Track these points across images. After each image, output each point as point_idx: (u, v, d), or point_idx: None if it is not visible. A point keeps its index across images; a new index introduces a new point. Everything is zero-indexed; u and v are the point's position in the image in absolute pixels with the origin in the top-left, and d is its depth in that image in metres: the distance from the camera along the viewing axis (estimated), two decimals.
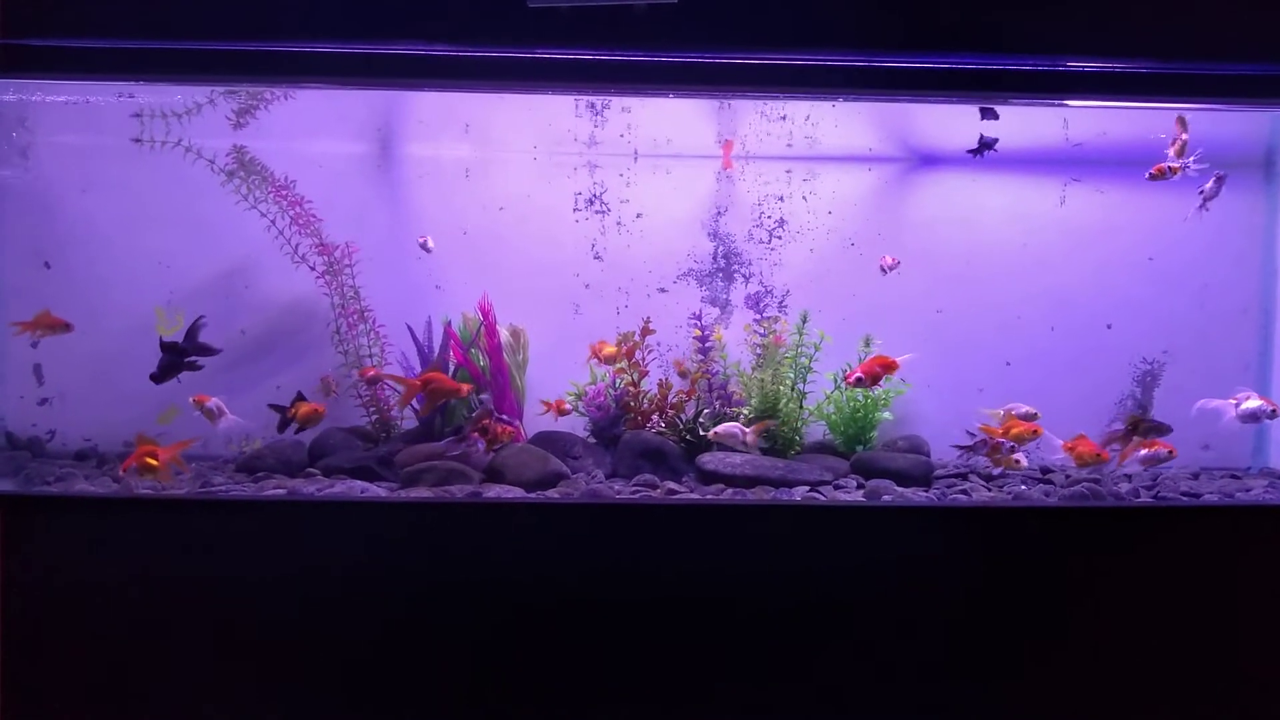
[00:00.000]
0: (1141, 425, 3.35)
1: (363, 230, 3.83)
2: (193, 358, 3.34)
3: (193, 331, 3.35)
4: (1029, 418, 3.38)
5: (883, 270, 3.80)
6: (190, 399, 3.40)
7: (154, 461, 3.12)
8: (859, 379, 3.43)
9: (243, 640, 2.90)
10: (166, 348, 3.32)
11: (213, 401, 3.44)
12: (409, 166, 3.93)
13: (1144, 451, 3.27)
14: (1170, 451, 3.26)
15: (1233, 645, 2.99)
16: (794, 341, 3.83)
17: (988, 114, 3.44)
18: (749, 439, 3.41)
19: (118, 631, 2.88)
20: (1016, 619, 2.97)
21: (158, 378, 3.32)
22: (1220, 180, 3.52)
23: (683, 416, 3.73)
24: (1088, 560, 2.99)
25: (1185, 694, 2.98)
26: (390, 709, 2.90)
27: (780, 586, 2.95)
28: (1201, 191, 3.55)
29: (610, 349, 3.77)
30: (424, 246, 3.79)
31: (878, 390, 3.82)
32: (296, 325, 3.87)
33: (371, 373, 3.73)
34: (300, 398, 3.48)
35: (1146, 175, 3.49)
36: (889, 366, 3.44)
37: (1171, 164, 3.45)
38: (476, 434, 3.31)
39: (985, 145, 3.65)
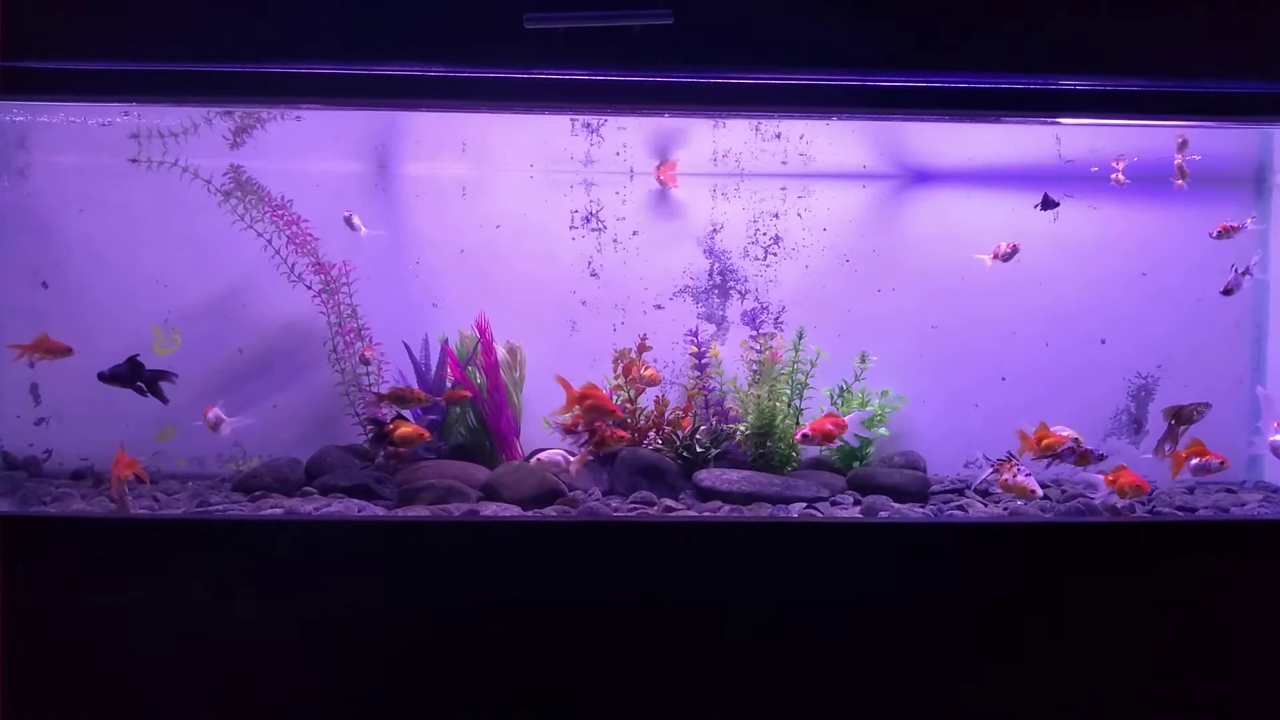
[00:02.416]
0: (1183, 412, 3.35)
1: (360, 249, 3.84)
2: (140, 384, 3.34)
3: (159, 375, 3.35)
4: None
5: (999, 259, 3.70)
6: (203, 412, 3.46)
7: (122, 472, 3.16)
8: (805, 436, 3.39)
9: (240, 659, 2.90)
10: (137, 366, 3.33)
11: (212, 413, 3.46)
12: (406, 185, 3.94)
13: (1195, 461, 3.26)
14: (1222, 462, 3.25)
15: (1229, 660, 3.00)
16: (790, 358, 3.84)
17: (1048, 204, 3.64)
18: (573, 468, 3.35)
19: (116, 651, 2.88)
20: (1013, 634, 2.98)
21: (105, 377, 3.30)
22: (1247, 273, 3.63)
23: (680, 433, 3.74)
24: (1084, 575, 3.00)
25: (1183, 709, 2.98)
26: None
27: (778, 603, 2.95)
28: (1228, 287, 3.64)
29: (650, 371, 3.73)
30: (350, 223, 3.75)
31: (874, 406, 3.84)
32: (294, 344, 3.88)
33: (370, 352, 3.77)
34: (400, 416, 3.48)
35: (1212, 234, 3.60)
36: (841, 426, 3.40)
37: (1233, 224, 3.55)
38: (588, 434, 3.27)
39: (1050, 204, 3.70)
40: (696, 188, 3.96)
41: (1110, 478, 3.21)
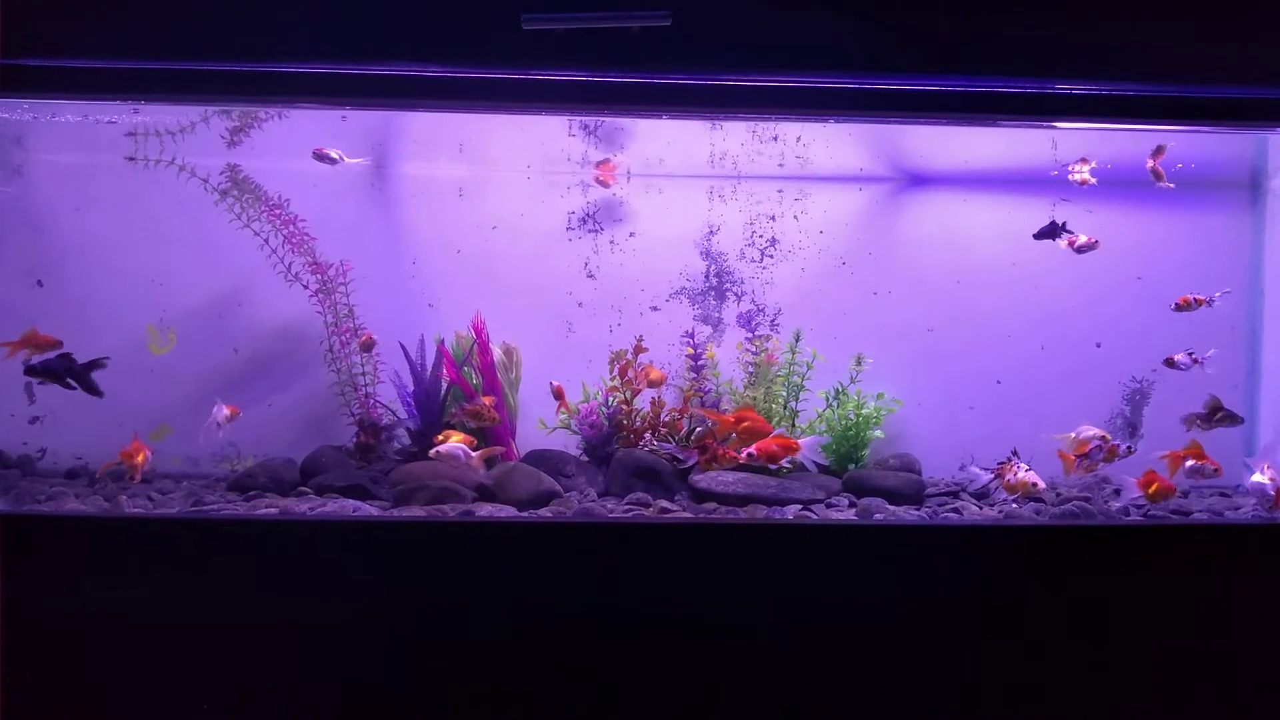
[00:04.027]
0: (1219, 413, 3.38)
1: (357, 249, 3.83)
2: (70, 380, 3.27)
3: (91, 366, 3.29)
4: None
5: (1076, 249, 3.63)
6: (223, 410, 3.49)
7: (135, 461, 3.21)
8: (750, 455, 3.24)
9: (235, 658, 2.89)
10: (68, 361, 3.28)
11: (217, 409, 3.49)
12: (403, 185, 3.94)
13: (1190, 463, 3.27)
14: (1216, 468, 3.26)
15: (1224, 662, 3.00)
16: (786, 360, 3.84)
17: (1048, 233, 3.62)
18: (474, 462, 3.27)
19: (111, 651, 2.87)
20: (1009, 636, 2.99)
21: (35, 370, 3.26)
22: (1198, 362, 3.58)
23: (675, 435, 3.74)
24: (1078, 578, 3.01)
25: (1178, 712, 2.99)
26: None
27: (773, 605, 2.96)
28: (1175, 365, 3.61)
29: (657, 373, 3.71)
30: (324, 157, 3.68)
31: (870, 407, 3.84)
32: (290, 344, 3.87)
33: (366, 338, 3.76)
34: (449, 425, 3.45)
35: (1172, 307, 3.56)
36: (788, 448, 3.27)
37: (1198, 296, 3.51)
38: (698, 450, 3.25)
39: (1056, 229, 3.68)
40: (696, 189, 3.96)
41: (1142, 482, 3.22)
